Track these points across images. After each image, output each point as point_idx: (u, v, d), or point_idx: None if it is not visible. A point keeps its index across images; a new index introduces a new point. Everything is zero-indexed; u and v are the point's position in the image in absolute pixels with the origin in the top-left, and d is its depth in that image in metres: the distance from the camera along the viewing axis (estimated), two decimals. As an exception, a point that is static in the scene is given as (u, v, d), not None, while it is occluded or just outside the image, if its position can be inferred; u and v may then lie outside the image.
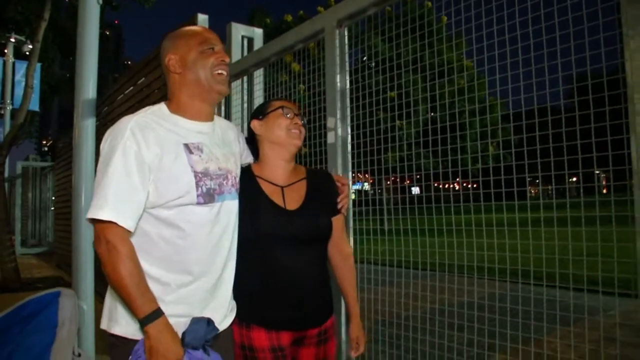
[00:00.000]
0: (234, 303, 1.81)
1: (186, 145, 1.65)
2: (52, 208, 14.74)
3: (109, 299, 1.64)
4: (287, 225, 1.82)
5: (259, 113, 1.97)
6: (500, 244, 2.31)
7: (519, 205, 2.45)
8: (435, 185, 2.86)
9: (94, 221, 1.50)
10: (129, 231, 1.52)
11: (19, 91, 11.90)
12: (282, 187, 1.90)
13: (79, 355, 2.03)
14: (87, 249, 3.04)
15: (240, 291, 1.81)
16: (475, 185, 2.70)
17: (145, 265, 1.56)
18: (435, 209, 2.77)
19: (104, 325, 1.63)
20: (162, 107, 1.72)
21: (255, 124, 1.95)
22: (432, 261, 2.70)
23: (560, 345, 2.14)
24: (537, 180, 2.34)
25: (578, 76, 1.99)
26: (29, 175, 16.44)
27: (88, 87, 3.00)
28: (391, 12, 3.16)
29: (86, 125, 3.06)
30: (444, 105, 2.52)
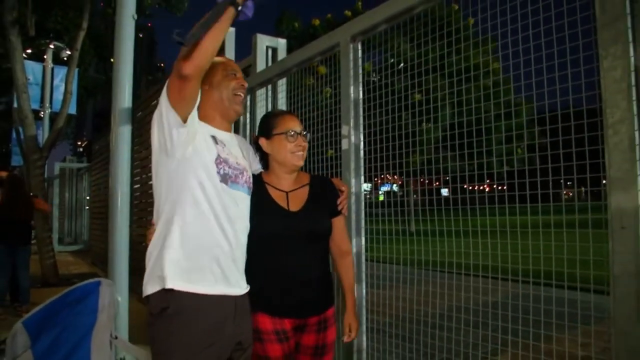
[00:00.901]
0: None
1: (213, 137, 1.93)
2: (87, 207, 15.21)
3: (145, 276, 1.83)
4: (289, 224, 2.07)
5: (265, 131, 2.17)
6: (525, 245, 2.36)
7: (546, 208, 2.49)
8: (463, 187, 2.91)
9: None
10: None
11: (58, 95, 12.36)
12: (286, 192, 2.15)
13: (116, 337, 2.27)
14: (122, 248, 3.20)
15: (249, 281, 2.01)
16: (500, 188, 2.75)
17: (179, 224, 1.79)
18: (462, 210, 2.83)
19: (145, 293, 1.83)
20: None
21: (263, 142, 2.16)
22: (458, 261, 2.77)
23: (580, 344, 2.18)
24: (569, 183, 2.38)
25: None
26: (66, 176, 17.00)
27: (124, 95, 3.17)
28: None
29: (122, 132, 3.22)
30: (470, 107, 2.58)
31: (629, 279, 1.57)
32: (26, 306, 6.10)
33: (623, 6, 1.59)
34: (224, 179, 1.88)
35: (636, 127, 1.57)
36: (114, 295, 2.37)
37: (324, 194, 2.21)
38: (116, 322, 2.80)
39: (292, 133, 2.11)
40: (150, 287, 1.80)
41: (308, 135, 2.20)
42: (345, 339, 2.22)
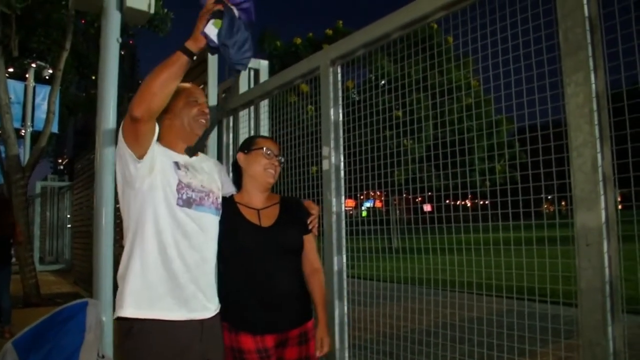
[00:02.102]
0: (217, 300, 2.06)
1: (176, 163, 1.97)
2: (69, 226, 15.00)
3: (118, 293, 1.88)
4: (262, 239, 2.15)
5: (245, 147, 2.30)
6: (507, 262, 2.40)
7: (527, 224, 2.54)
8: (446, 203, 2.95)
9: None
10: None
11: (39, 114, 12.28)
12: (258, 210, 2.23)
13: (103, 357, 2.27)
14: (107, 266, 3.20)
15: (227, 300, 2.08)
16: (482, 203, 2.79)
17: (140, 257, 1.85)
18: (445, 227, 2.88)
19: (115, 315, 1.88)
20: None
21: (240, 156, 2.27)
22: (443, 278, 2.80)
23: (563, 357, 2.21)
24: (549, 197, 2.43)
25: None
26: (47, 194, 16.78)
27: (108, 116, 3.21)
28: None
29: (106, 152, 3.24)
30: (451, 123, 2.64)
31: (595, 293, 1.64)
32: (8, 327, 5.98)
33: (584, 36, 1.68)
34: (187, 203, 1.92)
35: (598, 149, 1.65)
36: (100, 315, 2.39)
37: (294, 212, 2.30)
38: (103, 339, 2.82)
39: (269, 152, 2.23)
40: (117, 311, 1.86)
41: (282, 160, 2.32)
42: (318, 353, 2.25)
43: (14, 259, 7.29)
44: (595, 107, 1.66)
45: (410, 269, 3.06)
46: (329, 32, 21.39)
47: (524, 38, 2.07)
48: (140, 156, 1.80)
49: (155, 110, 1.73)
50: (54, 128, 11.30)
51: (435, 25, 2.96)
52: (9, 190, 8.68)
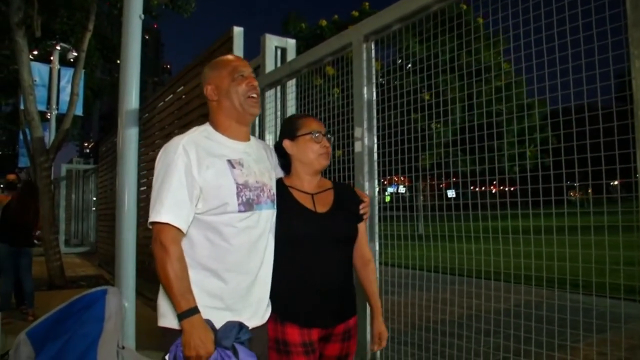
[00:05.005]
0: (269, 301, 1.96)
1: (229, 161, 1.85)
2: (94, 209, 15.23)
3: (160, 298, 1.81)
4: (318, 226, 2.02)
5: (289, 133, 2.13)
6: (537, 251, 2.31)
7: (558, 212, 2.43)
8: (472, 189, 2.84)
9: (154, 224, 1.73)
10: (181, 232, 1.74)
11: (64, 97, 12.38)
12: (312, 195, 2.10)
13: (123, 347, 2.21)
14: (129, 250, 3.16)
15: (276, 289, 1.97)
16: (512, 189, 2.68)
17: (195, 264, 1.77)
18: (471, 214, 2.77)
19: (158, 322, 1.81)
20: (207, 127, 1.94)
21: (287, 144, 2.12)
22: (469, 267, 2.71)
23: (595, 353, 2.12)
24: (576, 185, 2.32)
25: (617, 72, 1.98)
26: (73, 177, 17.04)
27: (131, 97, 3.13)
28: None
29: (129, 134, 3.19)
30: (480, 105, 2.53)
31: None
32: (32, 309, 6.07)
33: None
34: (248, 205, 1.83)
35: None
36: (121, 303, 2.32)
37: (348, 199, 2.16)
38: (123, 329, 2.76)
39: (317, 134, 2.08)
40: (162, 320, 1.81)
41: (331, 138, 2.17)
42: (376, 347, 2.16)
43: (37, 242, 7.38)
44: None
45: (434, 258, 2.97)
46: (355, 13, 21.04)
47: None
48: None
49: None
50: (79, 111, 11.40)
51: (465, 6, 2.85)
52: (35, 173, 8.79)
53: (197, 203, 1.77)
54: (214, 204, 1.78)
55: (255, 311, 1.87)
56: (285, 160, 2.15)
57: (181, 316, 1.66)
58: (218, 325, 1.73)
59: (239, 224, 1.81)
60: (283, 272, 1.97)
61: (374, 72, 2.65)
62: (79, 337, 2.06)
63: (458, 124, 3.19)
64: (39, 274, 8.16)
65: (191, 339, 1.64)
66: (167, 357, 1.69)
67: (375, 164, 2.63)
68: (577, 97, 2.10)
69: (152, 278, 7.46)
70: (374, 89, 2.65)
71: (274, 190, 1.99)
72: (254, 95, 1.93)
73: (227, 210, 1.79)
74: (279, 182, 2.10)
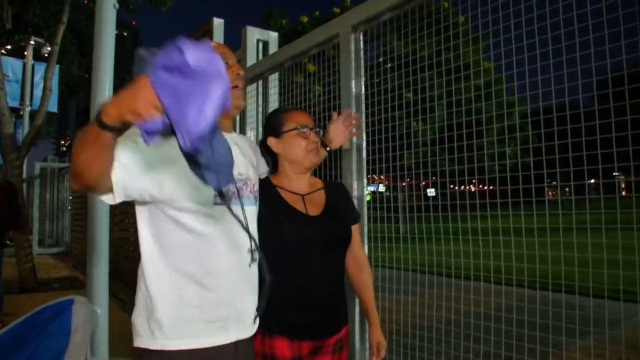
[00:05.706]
0: (256, 312, 1.72)
1: None
2: (69, 208, 14.92)
3: (135, 317, 1.59)
4: (310, 231, 1.86)
5: (273, 130, 1.96)
6: (518, 254, 2.27)
7: (539, 211, 2.40)
8: (452, 187, 2.79)
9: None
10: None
11: (38, 92, 12.01)
12: (302, 196, 1.95)
13: None
14: (102, 251, 3.04)
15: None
16: (492, 188, 2.64)
17: (170, 271, 1.53)
18: (451, 213, 2.72)
19: (134, 342, 1.58)
20: None
21: (272, 142, 1.96)
22: (448, 270, 2.66)
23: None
24: (554, 183, 2.30)
25: (599, 70, 1.94)
26: (47, 176, 16.65)
27: (104, 89, 3.00)
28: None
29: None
30: (462, 104, 2.47)
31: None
32: (1, 315, 5.83)
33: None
34: (227, 199, 1.56)
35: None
36: (89, 314, 2.18)
37: (341, 199, 2.04)
38: (94, 340, 2.62)
39: (304, 129, 1.92)
40: (137, 340, 1.57)
41: (320, 131, 2.01)
42: (375, 358, 2.03)
43: (11, 243, 7.13)
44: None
45: (412, 260, 2.91)
46: (337, 10, 21.02)
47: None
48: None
49: (88, 184, 1.31)
50: (53, 107, 11.12)
51: (447, 4, 2.81)
52: (6, 171, 8.54)
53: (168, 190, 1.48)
54: (186, 193, 1.51)
55: (242, 320, 1.64)
56: (271, 157, 2.00)
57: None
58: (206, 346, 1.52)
59: (217, 218, 1.57)
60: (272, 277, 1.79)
61: (362, 64, 2.54)
62: (43, 351, 1.92)
63: (437, 123, 3.14)
64: (10, 275, 7.93)
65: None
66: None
67: (364, 161, 2.53)
68: (558, 95, 2.06)
69: (126, 279, 7.33)
70: (363, 82, 2.54)
71: (257, 187, 1.81)
72: (238, 85, 1.71)
73: (201, 201, 1.54)
74: (266, 180, 1.97)
